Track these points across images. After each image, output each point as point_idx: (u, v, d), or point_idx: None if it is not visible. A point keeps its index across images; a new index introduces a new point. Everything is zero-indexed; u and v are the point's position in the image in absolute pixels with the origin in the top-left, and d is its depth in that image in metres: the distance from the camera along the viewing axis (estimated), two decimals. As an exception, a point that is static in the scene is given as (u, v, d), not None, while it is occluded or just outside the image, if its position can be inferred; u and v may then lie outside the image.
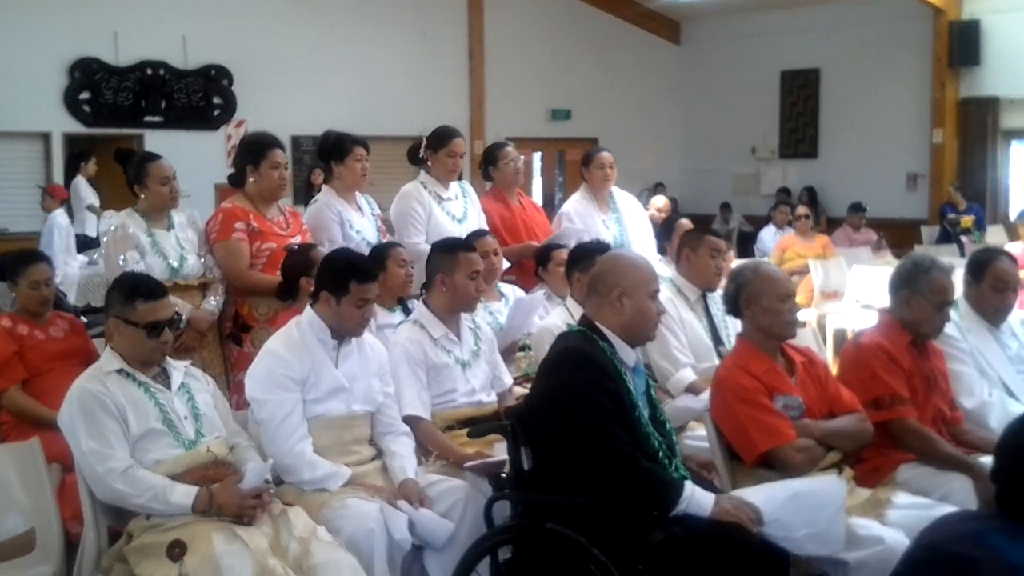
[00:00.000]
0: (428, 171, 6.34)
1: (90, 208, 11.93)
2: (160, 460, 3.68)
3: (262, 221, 5.46)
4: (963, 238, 12.77)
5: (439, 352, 4.63)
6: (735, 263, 5.87)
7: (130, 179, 5.47)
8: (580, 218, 6.72)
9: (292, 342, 4.15)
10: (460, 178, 6.53)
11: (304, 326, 4.19)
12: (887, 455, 4.21)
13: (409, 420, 4.46)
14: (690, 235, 5.58)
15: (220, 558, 3.43)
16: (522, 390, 5.25)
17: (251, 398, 4.10)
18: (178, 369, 3.94)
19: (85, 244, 11.20)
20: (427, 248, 5.70)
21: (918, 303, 4.40)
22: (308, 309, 4.25)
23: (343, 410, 4.18)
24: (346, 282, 4.13)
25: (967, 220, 13.18)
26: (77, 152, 12.55)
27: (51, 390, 4.99)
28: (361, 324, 4.24)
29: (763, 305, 4.09)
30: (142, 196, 5.44)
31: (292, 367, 4.07)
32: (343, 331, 4.21)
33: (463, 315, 4.84)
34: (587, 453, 3.50)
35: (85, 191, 12.13)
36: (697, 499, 3.49)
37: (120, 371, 3.78)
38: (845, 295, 9.53)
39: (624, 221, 6.88)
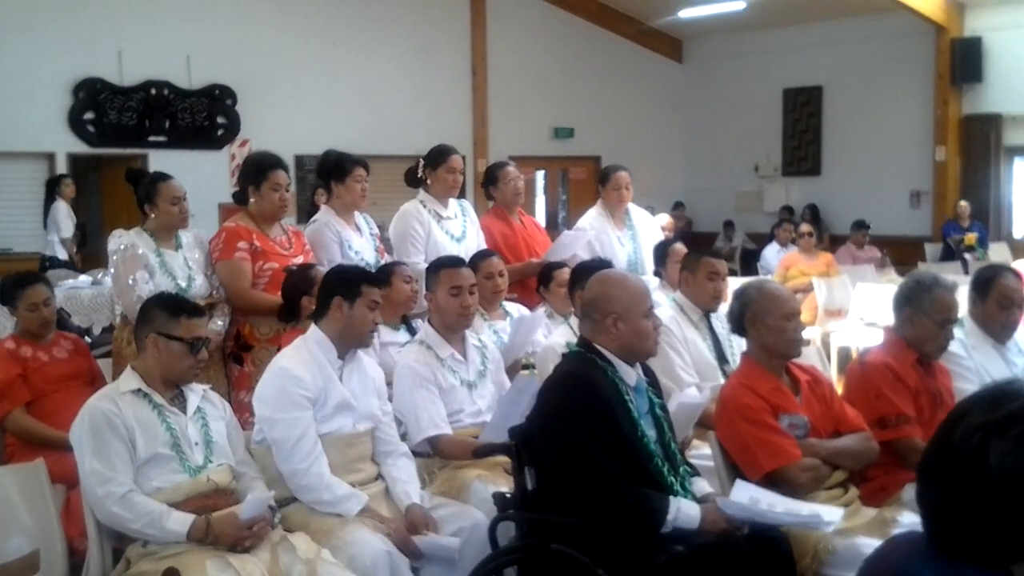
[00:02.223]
0: (427, 190, 6.35)
1: (62, 242, 11.97)
2: (160, 487, 3.66)
3: (264, 241, 5.47)
4: (967, 255, 12.77)
5: (446, 373, 4.64)
6: (737, 281, 5.85)
7: (140, 198, 5.48)
8: (595, 234, 6.73)
9: (304, 360, 4.14)
10: (460, 196, 6.54)
11: (312, 344, 4.20)
12: (893, 474, 4.19)
13: (432, 441, 4.48)
14: (689, 257, 5.59)
15: None
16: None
17: (262, 417, 4.08)
18: (196, 392, 3.92)
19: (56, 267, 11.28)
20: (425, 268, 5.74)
21: (921, 321, 4.40)
22: (313, 327, 4.25)
23: (349, 428, 4.17)
24: (358, 284, 4.20)
25: (971, 237, 13.20)
26: (54, 177, 12.52)
27: (56, 411, 5.03)
28: (372, 330, 4.27)
29: (768, 324, 4.08)
30: (152, 215, 5.44)
31: (306, 385, 4.05)
32: (353, 339, 4.22)
33: (468, 334, 4.85)
34: (576, 482, 3.51)
35: (62, 218, 12.11)
36: (683, 514, 3.51)
37: (137, 391, 3.77)
38: (849, 313, 9.53)
39: (639, 238, 6.90)
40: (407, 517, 4.05)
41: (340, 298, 4.17)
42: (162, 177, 5.54)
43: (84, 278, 10.17)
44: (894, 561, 2.01)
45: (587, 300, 3.80)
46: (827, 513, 3.63)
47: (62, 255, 11.99)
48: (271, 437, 4.03)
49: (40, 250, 12.26)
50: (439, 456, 4.54)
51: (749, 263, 14.81)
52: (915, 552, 1.97)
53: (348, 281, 4.25)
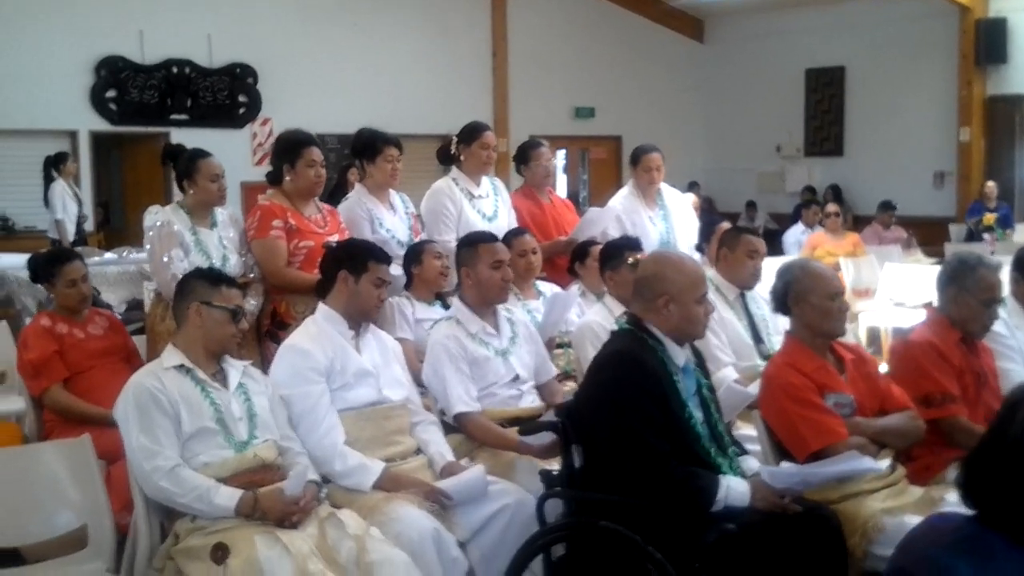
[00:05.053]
0: (460, 167, 6.33)
1: (56, 223, 11.97)
2: (208, 463, 3.67)
3: (300, 219, 5.45)
4: (986, 236, 12.69)
5: (477, 346, 4.62)
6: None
7: (179, 174, 5.49)
8: (627, 214, 6.69)
9: (312, 335, 4.20)
10: (492, 174, 6.51)
11: (320, 320, 4.25)
12: (938, 453, 4.17)
13: (459, 418, 4.46)
14: (728, 234, 5.55)
15: (262, 562, 3.42)
16: (562, 387, 5.24)
17: (280, 397, 4.08)
18: (236, 368, 3.93)
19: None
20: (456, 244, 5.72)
21: (965, 300, 4.37)
22: (320, 304, 4.31)
23: (375, 396, 4.19)
24: (365, 260, 4.25)
25: (989, 218, 13.11)
26: (52, 156, 12.43)
27: (93, 387, 5.07)
28: (377, 306, 4.31)
29: (812, 303, 4.05)
30: (191, 192, 5.45)
31: (314, 358, 4.09)
32: (359, 314, 4.26)
33: (499, 307, 4.84)
34: (626, 460, 3.50)
35: (57, 197, 12.03)
36: (733, 492, 3.50)
37: (180, 367, 3.78)
38: (877, 293, 9.48)
39: (671, 218, 6.82)
40: (441, 475, 4.10)
41: (346, 271, 4.23)
42: (201, 154, 5.53)
43: (109, 255, 10.19)
44: (929, 546, 1.99)
45: (641, 278, 3.78)
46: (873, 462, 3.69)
47: (56, 235, 11.95)
48: (291, 414, 4.04)
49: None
50: (465, 435, 4.53)
51: (771, 244, 14.72)
52: (951, 543, 1.94)
53: (354, 255, 4.29)
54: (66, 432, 4.82)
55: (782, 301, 4.19)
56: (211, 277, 3.95)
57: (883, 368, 4.51)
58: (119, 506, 4.03)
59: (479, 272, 4.71)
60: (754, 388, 4.45)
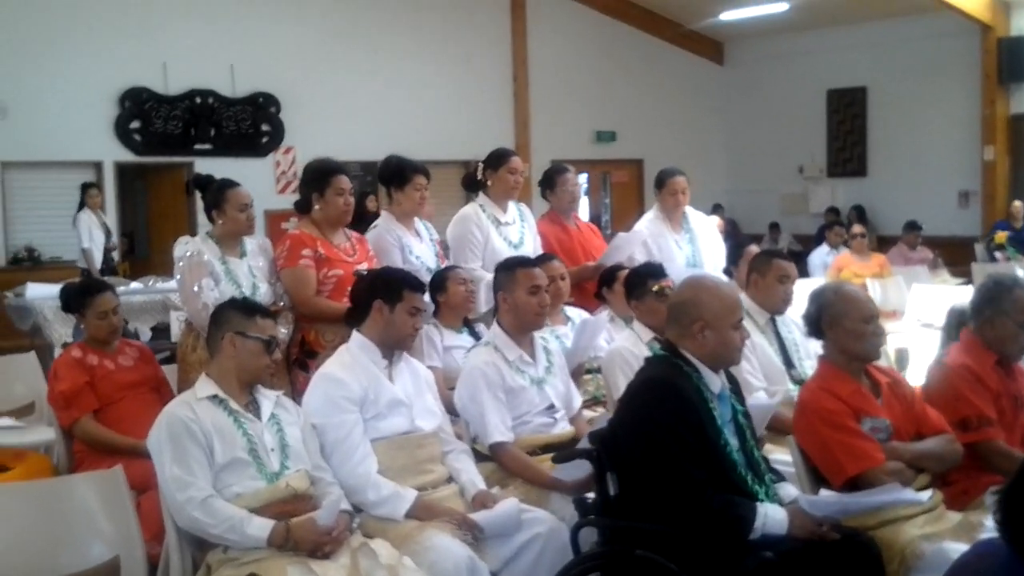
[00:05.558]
0: (487, 193, 6.32)
1: (83, 252, 12.08)
2: (240, 494, 3.66)
3: (329, 248, 5.46)
4: (997, 254, 12.63)
5: (515, 375, 4.61)
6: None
7: (208, 205, 5.52)
8: (653, 238, 6.68)
9: (345, 363, 4.18)
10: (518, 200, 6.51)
11: (354, 348, 4.23)
12: (975, 478, 4.11)
13: (495, 448, 4.44)
14: (759, 259, 5.52)
15: None
16: (591, 413, 5.22)
17: (313, 425, 4.07)
18: (269, 399, 3.93)
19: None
20: (483, 273, 5.70)
21: (1001, 322, 4.31)
22: (355, 333, 4.28)
23: (407, 426, 4.18)
24: (400, 289, 4.23)
25: (1001, 236, 13.04)
26: (83, 184, 12.63)
27: (122, 418, 5.06)
28: (411, 335, 4.30)
29: (846, 327, 4.01)
30: (220, 222, 5.48)
31: (348, 387, 4.08)
32: (393, 343, 4.24)
33: (535, 334, 4.82)
34: (662, 488, 3.47)
35: (83, 227, 12.20)
36: (771, 520, 3.46)
37: (213, 397, 3.78)
38: (905, 314, 9.40)
39: (697, 241, 6.81)
40: (473, 503, 4.08)
41: (381, 301, 4.21)
42: (230, 184, 5.56)
43: (135, 285, 10.22)
44: (973, 574, 1.97)
45: (676, 303, 3.75)
46: (915, 493, 3.65)
47: (84, 264, 12.07)
48: (323, 443, 4.02)
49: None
50: (497, 464, 4.51)
51: (796, 265, 14.66)
52: (987, 571, 1.93)
53: (390, 284, 4.27)
54: (95, 463, 4.83)
55: (816, 325, 4.15)
56: (245, 308, 3.96)
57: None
58: (149, 536, 4.02)
59: (516, 297, 4.69)
60: (776, 398, 4.41)
